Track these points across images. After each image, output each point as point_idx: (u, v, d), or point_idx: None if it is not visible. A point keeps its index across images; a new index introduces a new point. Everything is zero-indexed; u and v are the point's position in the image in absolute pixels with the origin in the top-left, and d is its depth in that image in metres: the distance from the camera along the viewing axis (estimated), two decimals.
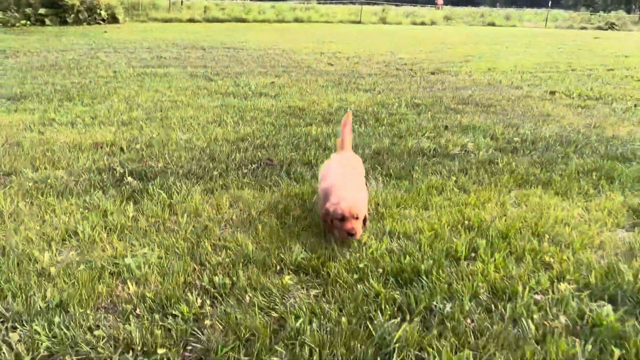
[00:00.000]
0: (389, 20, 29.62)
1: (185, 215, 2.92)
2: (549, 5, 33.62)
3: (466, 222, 2.89)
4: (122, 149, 4.17)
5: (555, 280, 2.30)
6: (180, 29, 20.88)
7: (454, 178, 3.68)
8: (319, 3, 36.11)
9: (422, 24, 29.84)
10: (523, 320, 1.98)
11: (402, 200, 3.21)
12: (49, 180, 3.40)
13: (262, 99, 6.64)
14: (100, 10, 22.49)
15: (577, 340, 1.87)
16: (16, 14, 21.27)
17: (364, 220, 2.68)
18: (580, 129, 5.31)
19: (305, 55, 12.13)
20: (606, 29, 29.39)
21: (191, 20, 24.54)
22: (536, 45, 16.78)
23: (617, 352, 1.78)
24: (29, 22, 21.45)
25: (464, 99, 6.91)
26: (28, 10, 21.65)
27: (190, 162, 3.92)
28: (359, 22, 29.14)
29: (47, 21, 21.66)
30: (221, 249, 2.56)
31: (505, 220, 2.91)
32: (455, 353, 1.81)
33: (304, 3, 35.17)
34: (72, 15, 21.99)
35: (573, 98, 7.17)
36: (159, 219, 2.86)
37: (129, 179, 3.47)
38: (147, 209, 2.98)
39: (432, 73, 9.66)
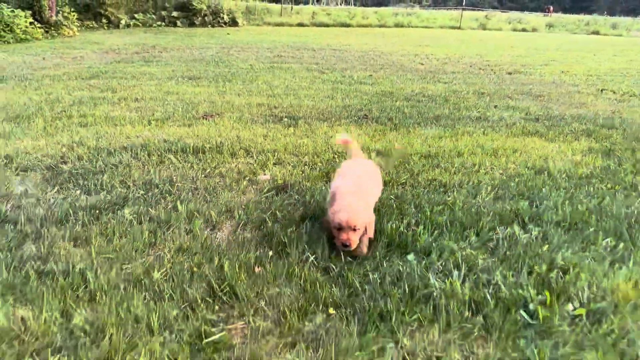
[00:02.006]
0: (489, 27, 31.23)
1: (317, 132, 5.71)
2: None
3: (477, 148, 5.35)
4: (274, 107, 7.12)
5: (513, 165, 4.74)
6: (291, 33, 24.42)
7: (482, 129, 6.13)
8: (422, 8, 38.37)
9: (523, 30, 31.08)
10: (483, 190, 4.48)
11: (442, 134, 5.77)
12: (242, 118, 6.39)
13: (362, 85, 9.38)
14: (223, 14, 26.75)
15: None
16: (153, 16, 26.10)
17: (369, 226, 2.74)
18: (599, 113, 7.40)
19: (400, 57, 14.75)
20: None
21: (300, 25, 28.15)
22: (625, 54, 17.93)
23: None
24: (163, 24, 26.21)
25: (522, 91, 9.13)
26: (163, 13, 26.39)
27: (317, 112, 6.76)
28: (459, 28, 31.08)
29: (179, 23, 26.24)
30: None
31: (502, 147, 5.34)
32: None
33: (406, 8, 37.64)
34: (200, 19, 26.43)
35: (617, 94, 9.08)
36: (306, 136, 5.68)
37: (285, 119, 6.36)
38: (299, 131, 5.81)
39: (509, 73, 11.81)
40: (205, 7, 25.92)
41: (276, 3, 34.94)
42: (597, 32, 32.58)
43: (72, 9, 20.83)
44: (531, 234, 3.04)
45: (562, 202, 3.60)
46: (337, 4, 46.28)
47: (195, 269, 2.49)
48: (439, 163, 4.56)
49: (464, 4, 34.39)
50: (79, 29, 20.77)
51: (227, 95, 7.83)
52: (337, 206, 2.70)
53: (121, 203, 3.36)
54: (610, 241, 2.98)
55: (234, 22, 26.94)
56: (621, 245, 2.93)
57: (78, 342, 1.93)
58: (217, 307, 2.24)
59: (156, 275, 2.43)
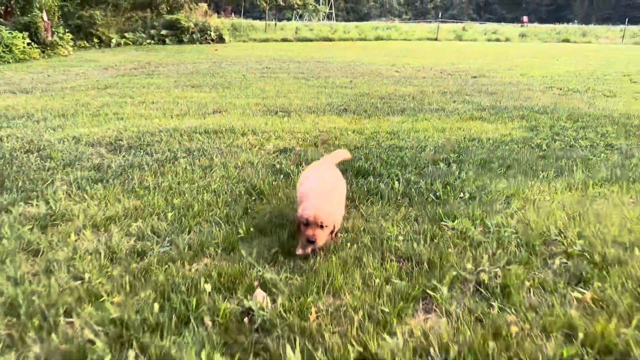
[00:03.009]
0: (465, 38, 33.57)
1: (306, 120, 7.43)
2: (626, 22, 35.67)
3: (430, 128, 7.08)
4: (269, 105, 8.83)
5: (454, 137, 6.48)
6: (276, 47, 26.33)
7: (437, 117, 7.90)
8: (402, 22, 40.76)
9: (497, 40, 33.47)
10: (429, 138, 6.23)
11: (405, 120, 7.52)
12: (245, 112, 8.08)
13: (343, 89, 11.14)
14: (210, 31, 28.59)
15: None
16: (143, 35, 27.86)
17: (334, 233, 2.90)
18: (540, 104, 9.21)
19: (379, 66, 16.63)
20: None
21: (285, 40, 30.13)
22: (586, 59, 20.10)
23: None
24: (152, 42, 27.97)
25: (480, 90, 10.97)
26: (152, 31, 28.18)
27: (305, 108, 8.49)
28: (436, 39, 33.37)
29: (167, 40, 28.01)
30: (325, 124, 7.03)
31: (450, 127, 7.08)
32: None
33: (386, 22, 39.95)
34: (188, 36, 28.24)
35: (562, 90, 10.97)
36: (297, 122, 7.37)
37: (280, 112, 8.07)
38: (292, 120, 7.50)
39: (474, 77, 13.70)
40: (192, 25, 27.71)
41: (260, 20, 37.06)
42: (567, 40, 35.14)
43: (67, 30, 22.51)
44: (451, 167, 4.76)
45: (481, 153, 5.35)
46: (319, 20, 48.56)
47: (235, 184, 4.17)
48: (399, 136, 6.29)
49: (440, 16, 36.78)
50: (73, 48, 22.41)
51: (227, 98, 9.52)
52: (305, 204, 2.86)
53: (174, 158, 5.02)
54: (503, 170, 4.72)
55: (220, 39, 28.76)
56: (511, 171, 4.67)
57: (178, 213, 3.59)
58: (253, 199, 3.91)
59: (213, 185, 4.10)
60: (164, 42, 27.78)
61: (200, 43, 28.30)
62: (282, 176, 4.46)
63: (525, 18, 47.82)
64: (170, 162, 4.87)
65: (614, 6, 70.57)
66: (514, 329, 2.18)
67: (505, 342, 2.10)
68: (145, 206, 3.65)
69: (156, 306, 2.31)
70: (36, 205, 3.67)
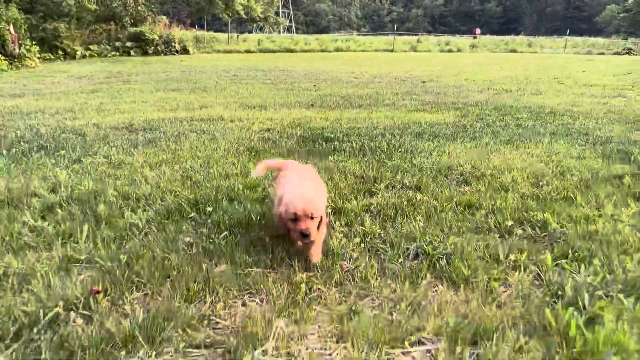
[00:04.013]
0: (419, 49, 36.24)
1: (280, 112, 9.18)
2: (567, 33, 39.38)
3: (382, 117, 8.95)
4: (247, 104, 10.54)
5: (400, 121, 8.38)
6: (241, 58, 28.05)
7: (388, 110, 9.80)
8: (360, 34, 43.23)
9: (449, 51, 36.30)
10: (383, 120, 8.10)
11: (362, 112, 9.39)
12: (227, 108, 9.78)
13: (308, 91, 12.97)
14: (175, 43, 30.05)
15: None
16: (108, 47, 29.07)
17: (322, 223, 2.79)
18: (475, 100, 11.29)
19: (339, 74, 18.59)
20: (623, 54, 34.73)
21: (248, 51, 31.91)
22: (526, 66, 22.73)
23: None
24: (117, 53, 29.18)
25: (427, 91, 13.02)
26: (117, 44, 29.41)
27: (278, 104, 10.24)
28: (392, 51, 35.89)
29: (132, 52, 29.26)
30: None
31: (397, 116, 8.98)
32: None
33: (345, 35, 42.33)
34: (152, 48, 29.61)
35: (496, 90, 13.14)
36: (273, 114, 9.12)
37: (257, 108, 9.80)
38: (268, 112, 9.24)
39: (423, 81, 15.80)
40: (157, 37, 29.11)
41: (222, 32, 38.75)
42: (514, 51, 38.41)
43: (34, 42, 23.60)
44: (394, 137, 6.62)
45: (417, 129, 7.24)
46: (279, 33, 50.62)
47: (237, 146, 5.89)
48: (357, 121, 8.14)
49: (395, 29, 39.44)
50: (39, 60, 23.50)
51: (208, 98, 11.19)
52: (288, 197, 2.71)
53: (183, 135, 6.68)
54: (432, 138, 6.60)
55: (185, 51, 30.24)
56: (437, 139, 6.56)
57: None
58: (252, 154, 5.63)
59: (222, 147, 5.81)
60: (129, 54, 29.02)
61: (165, 54, 29.68)
62: (270, 142, 6.20)
63: (477, 30, 51.37)
64: (182, 136, 6.53)
65: (562, 18, 75.96)
66: (420, 198, 4.00)
67: (415, 205, 3.89)
68: (177, 157, 5.33)
69: (213, 192, 4.01)
70: (97, 159, 5.28)
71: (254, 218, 3.54)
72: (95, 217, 3.52)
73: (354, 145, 6.05)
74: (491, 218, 3.62)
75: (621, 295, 2.49)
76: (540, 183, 4.48)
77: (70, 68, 21.37)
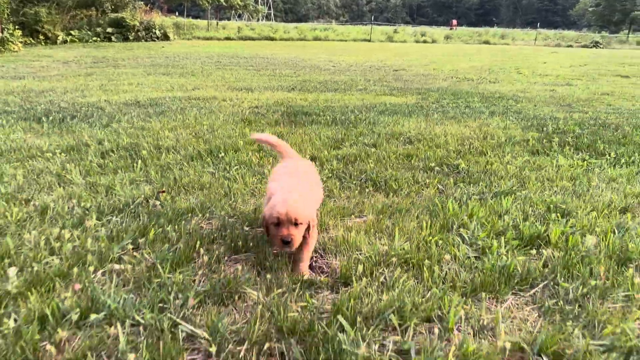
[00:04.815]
0: (395, 39, 37.99)
1: (265, 94, 10.73)
2: (538, 26, 41.64)
3: (354, 99, 10.56)
4: (234, 87, 12.03)
5: (369, 102, 10.02)
6: (221, 45, 29.36)
7: (360, 94, 11.43)
8: (339, 23, 44.71)
9: (424, 42, 38.14)
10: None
11: (337, 95, 11.00)
12: (217, 89, 11.27)
13: (289, 77, 14.51)
14: (155, 29, 31.16)
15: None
16: (89, 32, 30.03)
17: (311, 228, 2.74)
18: (437, 87, 12.99)
19: (318, 62, 20.15)
20: (590, 47, 37.04)
21: (228, 38, 33.19)
22: (494, 57, 24.62)
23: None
24: (98, 39, 30.17)
25: (397, 78, 14.69)
26: (98, 29, 30.39)
27: (262, 87, 11.78)
28: (369, 40, 37.57)
29: (113, 38, 30.30)
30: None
31: (367, 98, 10.61)
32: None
33: (324, 24, 43.75)
34: (133, 34, 30.68)
35: (459, 79, 14.88)
36: (260, 95, 10.67)
37: (244, 90, 11.33)
38: (254, 94, 10.78)
39: (395, 70, 17.48)
40: (138, 24, 30.19)
41: (200, 19, 39.88)
42: (487, 42, 40.47)
43: (17, 27, 24.55)
44: (362, 113, 8.24)
45: (381, 108, 8.88)
46: (258, 20, 51.79)
47: (232, 118, 7.44)
48: (332, 102, 9.74)
49: (375, 19, 41.08)
50: (22, 44, 24.47)
51: (197, 82, 12.66)
52: (274, 201, 2.68)
53: (185, 109, 8.20)
54: (392, 114, 8.25)
55: (165, 37, 31.39)
56: (396, 115, 8.20)
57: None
58: (246, 123, 7.20)
59: (221, 118, 7.36)
60: (110, 40, 30.04)
61: (146, 41, 30.78)
62: (260, 115, 7.78)
63: (454, 21, 53.43)
64: (186, 110, 8.05)
65: (537, 11, 78.74)
66: (374, 151, 5.63)
67: (369, 154, 5.52)
68: (187, 124, 6.86)
69: (222, 145, 5.57)
70: (123, 124, 6.78)
71: (254, 160, 5.13)
72: (140, 158, 5.06)
73: (328, 118, 7.66)
74: (421, 162, 5.27)
75: (488, 197, 4.15)
76: (465, 143, 6.16)
77: (54, 53, 22.43)
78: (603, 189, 4.45)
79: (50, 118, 7.04)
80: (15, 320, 2.26)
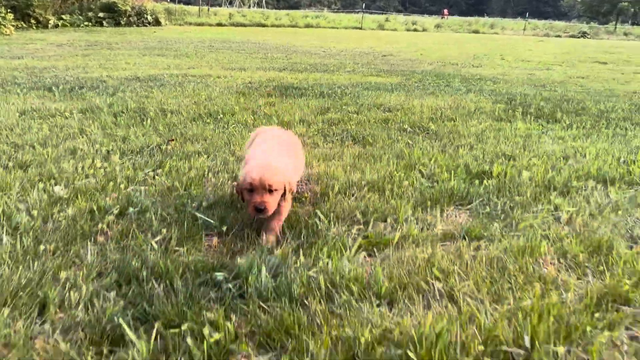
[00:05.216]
0: (386, 27, 38.75)
1: (258, 73, 11.48)
2: (527, 15, 42.60)
3: (342, 78, 11.33)
4: (228, 67, 12.76)
5: (355, 81, 10.81)
6: (213, 31, 29.95)
7: (348, 74, 12.20)
8: (330, 11, 45.34)
9: (415, 30, 38.93)
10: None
11: (326, 74, 11.77)
12: (212, 69, 12.00)
13: (280, 60, 15.23)
14: (147, 14, 31.65)
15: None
16: (80, 17, 30.47)
17: (287, 195, 2.76)
18: (421, 70, 13.77)
19: (309, 47, 20.85)
20: (578, 37, 38.02)
21: (219, 25, 33.77)
22: (482, 45, 25.47)
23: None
24: (90, 24, 30.60)
25: (385, 62, 15.47)
26: (90, 14, 30.84)
27: (254, 68, 12.52)
28: (360, 28, 38.29)
29: (105, 23, 30.74)
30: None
31: (355, 78, 11.39)
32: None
33: (315, 11, 44.38)
34: (125, 19, 31.15)
35: (444, 64, 15.68)
36: (253, 74, 11.41)
37: (237, 69, 12.06)
38: (247, 72, 11.52)
39: (384, 55, 18.24)
40: (129, 8, 30.67)
41: (190, 5, 40.35)
42: (477, 32, 41.33)
43: (8, 10, 25.00)
44: (347, 89, 9.03)
45: (367, 85, 9.66)
46: (249, 7, 52.26)
47: (228, 90, 8.20)
48: (321, 81, 10.51)
49: (367, 8, 41.79)
50: (14, 28, 24.93)
51: (192, 62, 13.37)
52: (249, 166, 2.66)
53: (183, 83, 8.93)
54: (376, 90, 9.04)
55: (157, 22, 31.88)
56: (379, 90, 8.99)
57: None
58: (240, 94, 7.96)
59: (217, 90, 8.11)
60: (101, 25, 30.48)
61: (138, 26, 31.26)
62: (253, 89, 8.54)
63: (445, 11, 54.23)
64: (183, 84, 8.79)
65: (528, 1, 79.85)
66: (356, 117, 6.42)
67: (352, 119, 6.30)
68: (186, 95, 7.61)
69: (220, 110, 6.34)
70: (127, 94, 7.52)
71: (249, 122, 5.91)
72: (148, 118, 5.82)
73: (316, 91, 8.44)
74: (397, 125, 6.08)
75: (449, 149, 4.96)
76: (437, 112, 6.97)
77: (46, 36, 22.91)
78: (549, 143, 5.28)
79: (60, 88, 7.76)
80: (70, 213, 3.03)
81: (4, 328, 1.89)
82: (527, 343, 1.93)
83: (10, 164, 3.90)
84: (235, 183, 2.76)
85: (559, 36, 39.97)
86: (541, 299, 2.22)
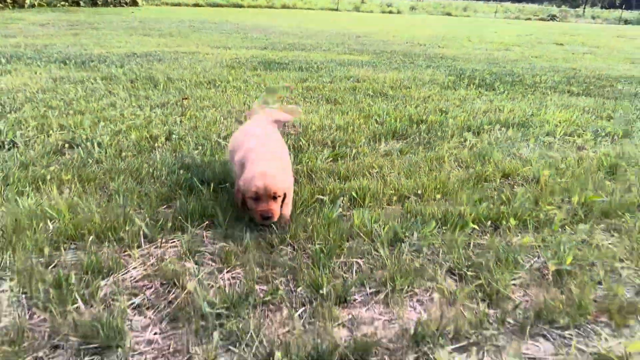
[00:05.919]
0: (362, 9, 40.26)
1: (242, 51, 12.96)
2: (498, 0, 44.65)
3: (323, 57, 12.88)
4: (214, 45, 14.17)
5: (341, 60, 12.36)
6: (190, 12, 31.07)
7: (325, 53, 13.74)
8: None
9: (390, 12, 40.54)
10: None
11: (307, 54, 13.30)
12: (198, 47, 13.42)
13: (260, 40, 16.67)
14: None
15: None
16: None
17: (288, 197, 2.88)
18: (396, 50, 15.37)
19: (286, 28, 22.28)
20: (547, 20, 40.10)
21: (196, 5, 34.86)
22: (452, 27, 27.20)
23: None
24: (67, 3, 31.39)
25: (358, 43, 17.02)
26: None
27: (238, 47, 13.98)
28: (336, 10, 39.74)
29: (82, 3, 31.55)
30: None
31: (337, 58, 12.94)
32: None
33: None
34: None
35: (412, 44, 17.31)
36: (238, 52, 12.87)
37: (222, 48, 13.51)
38: (232, 51, 12.99)
39: (358, 36, 19.79)
40: None
41: None
42: (449, 14, 43.15)
43: None
44: (323, 65, 10.60)
45: (341, 62, 11.24)
46: None
47: (219, 64, 9.71)
48: (299, 59, 12.04)
49: None
50: None
51: (177, 42, 14.74)
52: (251, 172, 2.72)
53: (178, 59, 10.39)
54: (348, 67, 10.63)
55: (134, 2, 32.83)
56: (358, 67, 10.58)
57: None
58: (230, 67, 9.47)
59: (210, 64, 9.61)
60: (78, 4, 31.32)
61: (115, 6, 32.18)
62: (240, 63, 10.05)
63: None
64: (178, 59, 10.25)
65: None
66: (329, 85, 8.02)
67: (326, 87, 7.90)
68: (184, 67, 9.09)
69: (215, 78, 7.87)
70: (133, 66, 8.96)
71: (242, 87, 7.46)
72: (160, 83, 7.33)
73: (296, 66, 9.99)
74: (363, 92, 7.69)
75: (400, 106, 6.60)
76: (397, 82, 8.60)
77: (25, 16, 23.73)
78: (479, 103, 6.96)
79: (73, 62, 9.16)
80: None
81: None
82: (419, 193, 3.58)
83: (71, 111, 5.40)
84: (236, 186, 2.85)
85: (529, 19, 42.00)
86: (434, 178, 3.88)
